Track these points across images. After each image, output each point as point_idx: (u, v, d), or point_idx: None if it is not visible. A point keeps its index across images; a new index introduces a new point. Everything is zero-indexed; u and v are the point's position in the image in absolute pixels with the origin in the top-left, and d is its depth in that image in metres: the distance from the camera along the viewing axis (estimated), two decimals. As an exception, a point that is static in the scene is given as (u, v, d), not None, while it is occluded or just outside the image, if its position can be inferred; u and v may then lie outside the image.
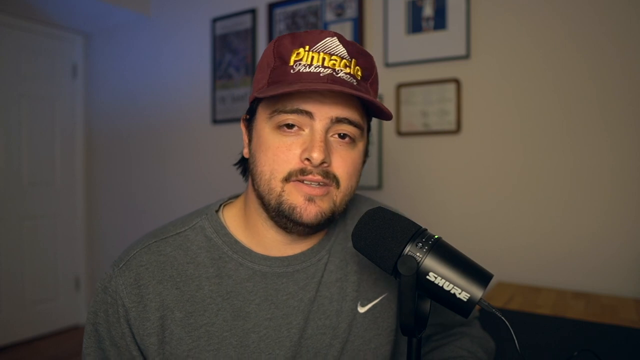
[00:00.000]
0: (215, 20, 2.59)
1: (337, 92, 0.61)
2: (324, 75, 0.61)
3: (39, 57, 3.02)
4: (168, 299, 0.64)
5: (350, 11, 2.12)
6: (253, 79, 0.71)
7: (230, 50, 2.53)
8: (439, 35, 1.88)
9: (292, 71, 0.62)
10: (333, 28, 2.17)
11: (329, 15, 2.18)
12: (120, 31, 3.08)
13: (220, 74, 2.57)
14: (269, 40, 2.38)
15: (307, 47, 0.62)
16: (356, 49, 0.65)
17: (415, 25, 1.94)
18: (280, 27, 2.34)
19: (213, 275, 0.66)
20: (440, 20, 1.88)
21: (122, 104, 3.07)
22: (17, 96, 2.92)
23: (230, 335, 0.64)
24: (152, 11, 2.90)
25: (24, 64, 2.95)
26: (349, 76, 0.62)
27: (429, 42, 1.90)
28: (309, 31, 0.64)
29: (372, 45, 2.06)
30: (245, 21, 2.47)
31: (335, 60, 0.62)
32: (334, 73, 0.61)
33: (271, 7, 2.36)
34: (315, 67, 0.61)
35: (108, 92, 3.16)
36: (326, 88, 0.58)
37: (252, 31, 2.45)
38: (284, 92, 0.58)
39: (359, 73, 0.64)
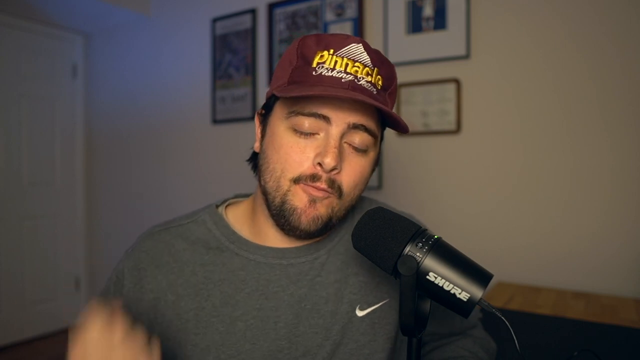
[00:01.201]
0: (215, 20, 2.59)
1: (359, 101, 0.61)
2: (346, 82, 0.61)
3: (39, 57, 3.02)
4: (163, 282, 0.67)
5: (350, 11, 2.12)
6: (273, 75, 0.71)
7: (230, 50, 2.53)
8: (439, 35, 1.89)
9: (314, 73, 0.62)
10: (333, 28, 2.17)
11: (329, 15, 2.18)
12: (120, 31, 3.08)
13: (220, 74, 2.57)
14: (269, 40, 2.38)
15: (331, 51, 0.62)
16: (379, 58, 0.65)
17: (415, 25, 1.94)
18: (280, 27, 2.34)
19: (208, 262, 0.68)
20: (440, 20, 1.88)
21: (122, 104, 3.07)
22: (17, 96, 2.92)
23: (217, 321, 0.65)
24: (152, 11, 2.90)
25: (24, 64, 2.95)
26: (369, 85, 0.62)
27: (429, 42, 1.91)
28: (334, 34, 0.64)
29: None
30: (245, 21, 2.47)
31: (358, 67, 0.62)
32: (356, 80, 0.61)
33: (271, 7, 2.36)
34: (338, 72, 0.61)
35: (108, 92, 3.16)
36: (349, 96, 0.58)
37: (252, 31, 2.45)
38: (306, 95, 0.58)
39: (380, 82, 0.64)
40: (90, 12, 2.83)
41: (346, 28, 2.13)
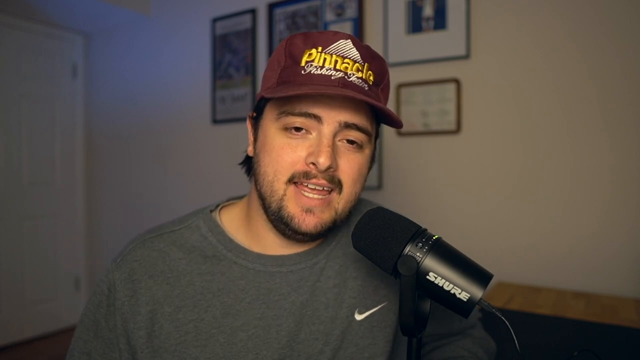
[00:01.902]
0: (215, 20, 2.59)
1: (349, 97, 0.59)
2: (335, 79, 0.60)
3: (39, 57, 3.02)
4: (158, 293, 0.64)
5: (350, 11, 2.12)
6: (262, 76, 0.69)
7: (230, 50, 2.53)
8: (439, 35, 1.88)
9: (302, 72, 0.61)
10: (333, 28, 2.17)
11: (329, 15, 2.18)
12: (120, 31, 3.08)
13: (220, 74, 2.57)
14: (269, 40, 2.38)
15: (319, 48, 0.61)
16: (369, 53, 0.63)
17: (415, 25, 1.94)
18: (280, 27, 2.34)
19: (205, 271, 0.66)
20: (440, 20, 1.88)
21: (122, 104, 3.07)
22: (17, 96, 2.92)
23: (218, 332, 0.63)
24: (152, 11, 2.90)
25: (24, 64, 2.95)
26: (360, 81, 0.61)
27: (429, 42, 1.90)
28: (322, 31, 0.63)
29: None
30: (245, 21, 2.47)
31: (348, 63, 0.61)
32: (346, 77, 0.60)
33: (271, 7, 2.36)
34: (327, 70, 0.60)
35: (108, 92, 3.16)
36: (338, 93, 0.57)
37: (252, 31, 2.45)
38: (294, 94, 0.57)
39: (371, 78, 0.63)
40: (90, 12, 2.83)
41: (346, 28, 2.13)
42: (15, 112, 2.91)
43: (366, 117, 0.63)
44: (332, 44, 0.61)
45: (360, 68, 0.62)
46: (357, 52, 0.62)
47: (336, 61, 0.60)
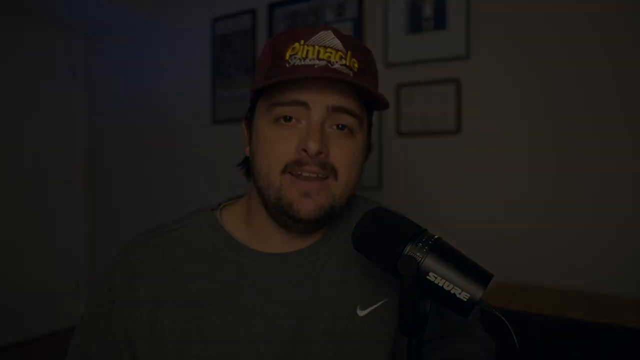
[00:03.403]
0: (215, 21, 2.59)
1: (331, 78, 0.61)
2: (319, 67, 0.61)
3: (39, 57, 3.02)
4: (160, 291, 0.64)
5: (350, 11, 2.12)
6: (253, 78, 0.71)
7: (230, 50, 2.53)
8: (439, 35, 1.88)
9: (287, 65, 0.62)
10: (333, 28, 2.17)
11: (329, 15, 2.18)
12: (120, 31, 3.07)
13: (220, 74, 2.57)
14: (269, 40, 2.38)
15: (302, 42, 0.62)
16: (351, 42, 0.64)
17: (415, 25, 1.94)
18: (281, 27, 2.34)
19: (207, 270, 0.66)
20: (440, 20, 1.88)
21: (122, 104, 3.07)
22: (17, 96, 2.92)
23: (220, 330, 0.64)
24: (152, 11, 2.90)
25: (24, 64, 2.95)
26: (344, 67, 0.62)
27: (429, 42, 1.90)
28: (304, 27, 0.65)
29: (372, 45, 2.06)
30: (246, 21, 2.47)
31: (331, 52, 0.62)
32: (329, 64, 0.61)
33: (271, 7, 2.36)
34: (310, 60, 0.61)
35: (108, 92, 3.16)
36: (319, 75, 0.58)
37: (252, 31, 2.45)
38: (277, 80, 0.59)
39: (356, 65, 0.64)
40: (90, 12, 2.83)
41: (346, 28, 2.13)
42: (15, 112, 2.91)
43: (353, 101, 0.64)
44: (313, 36, 0.63)
45: (343, 56, 0.63)
46: (339, 41, 0.63)
47: (319, 51, 0.62)
